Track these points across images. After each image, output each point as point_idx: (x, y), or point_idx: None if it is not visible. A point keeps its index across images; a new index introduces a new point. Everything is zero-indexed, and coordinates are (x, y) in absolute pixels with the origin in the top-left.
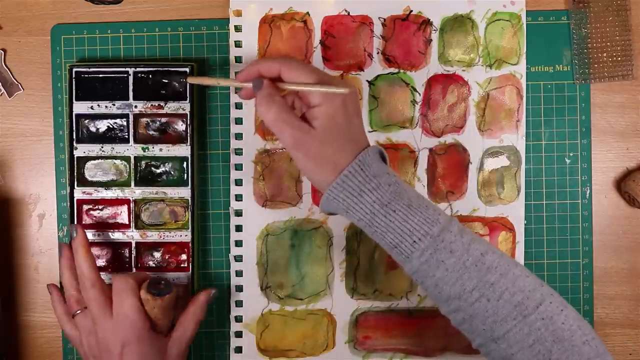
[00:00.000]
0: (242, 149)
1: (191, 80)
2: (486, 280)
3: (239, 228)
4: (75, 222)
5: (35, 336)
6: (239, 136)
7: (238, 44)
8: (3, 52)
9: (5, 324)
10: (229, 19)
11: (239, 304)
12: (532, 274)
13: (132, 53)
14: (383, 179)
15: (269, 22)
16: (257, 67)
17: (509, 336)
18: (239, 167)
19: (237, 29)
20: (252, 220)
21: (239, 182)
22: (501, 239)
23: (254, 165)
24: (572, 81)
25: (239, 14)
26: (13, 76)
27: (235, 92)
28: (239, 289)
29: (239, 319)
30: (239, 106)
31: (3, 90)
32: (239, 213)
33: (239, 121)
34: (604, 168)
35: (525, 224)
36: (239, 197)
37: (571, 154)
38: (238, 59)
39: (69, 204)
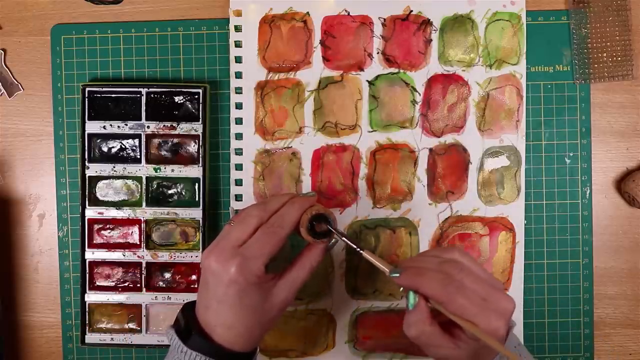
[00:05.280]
0: (242, 149)
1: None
2: None
3: None
4: (87, 241)
5: (35, 336)
6: (239, 136)
7: (238, 44)
8: (3, 52)
9: (5, 324)
10: (229, 19)
11: None
12: None
13: (132, 53)
14: None
15: (269, 22)
16: (418, 287)
17: None
18: (239, 167)
19: (237, 29)
20: None
21: (239, 182)
22: (501, 239)
23: (254, 165)
24: (572, 81)
25: (239, 14)
26: (13, 76)
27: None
28: None
29: None
30: (239, 106)
31: (3, 90)
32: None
33: (239, 121)
34: (604, 168)
35: (525, 224)
36: (239, 197)
37: (571, 154)
38: (238, 59)
39: (80, 223)
